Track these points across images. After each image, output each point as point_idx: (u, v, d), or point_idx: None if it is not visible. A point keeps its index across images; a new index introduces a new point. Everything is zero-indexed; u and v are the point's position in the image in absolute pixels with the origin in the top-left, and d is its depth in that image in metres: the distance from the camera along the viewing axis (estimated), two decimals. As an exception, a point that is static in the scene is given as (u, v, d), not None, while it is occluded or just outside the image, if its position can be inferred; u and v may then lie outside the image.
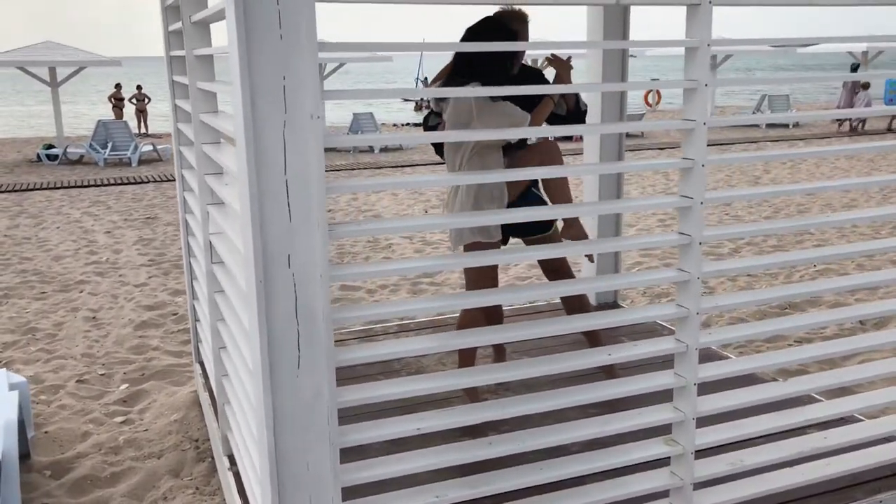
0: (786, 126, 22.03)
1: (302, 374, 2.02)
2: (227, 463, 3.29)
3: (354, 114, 19.35)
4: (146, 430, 4.23)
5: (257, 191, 1.88)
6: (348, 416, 2.60)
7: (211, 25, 3.10)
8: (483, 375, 2.39)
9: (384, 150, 18.99)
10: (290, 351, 2.00)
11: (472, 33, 3.28)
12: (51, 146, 18.12)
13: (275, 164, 1.89)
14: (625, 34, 4.60)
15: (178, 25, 3.33)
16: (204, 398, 4.09)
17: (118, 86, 24.99)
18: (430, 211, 11.01)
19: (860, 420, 3.22)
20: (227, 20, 1.88)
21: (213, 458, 3.81)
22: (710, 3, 2.20)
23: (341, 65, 20.82)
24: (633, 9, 4.68)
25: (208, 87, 2.86)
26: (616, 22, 4.55)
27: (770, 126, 22.05)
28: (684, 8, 2.28)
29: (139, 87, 25.10)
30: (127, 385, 4.91)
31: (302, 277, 1.97)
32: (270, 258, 1.93)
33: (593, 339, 3.86)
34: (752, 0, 2.32)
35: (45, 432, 4.22)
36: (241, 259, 2.43)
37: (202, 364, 4.33)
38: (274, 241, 1.92)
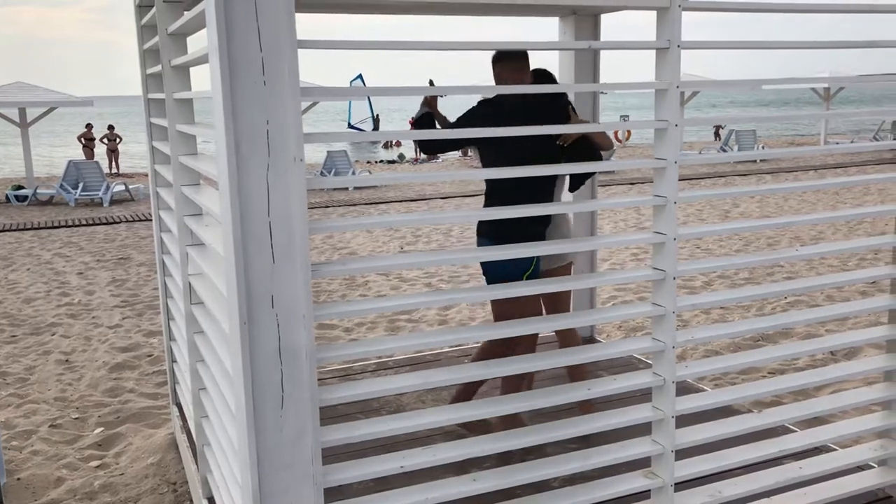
0: (753, 161, 22.48)
1: (286, 413, 2.03)
2: (206, 506, 3.26)
3: (328, 152, 19.43)
4: (122, 474, 4.17)
5: (241, 233, 1.91)
6: (327, 455, 2.60)
7: (190, 69, 3.14)
8: (465, 412, 2.41)
9: (358, 187, 19.05)
10: (274, 391, 2.01)
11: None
12: (20, 187, 17.95)
13: (258, 207, 1.92)
14: (595, 75, 4.71)
15: (157, 69, 3.36)
16: (181, 440, 4.05)
17: (89, 126, 24.92)
18: (405, 248, 11.05)
19: (834, 449, 3.28)
20: (210, 66, 1.92)
21: (191, 501, 3.77)
22: (678, 47, 2.29)
23: (315, 103, 20.94)
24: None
25: (189, 130, 2.89)
26: (587, 63, 4.66)
27: (738, 161, 22.47)
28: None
29: (111, 127, 25.04)
30: (102, 429, 4.85)
31: (285, 317, 1.99)
32: (254, 299, 1.95)
33: (578, 374, 3.89)
34: (718, 44, 2.42)
35: (18, 479, 4.14)
36: (222, 300, 2.44)
37: (179, 406, 4.29)
38: (257, 283, 1.95)
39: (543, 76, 3.72)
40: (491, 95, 3.76)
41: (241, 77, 1.86)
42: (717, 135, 32.54)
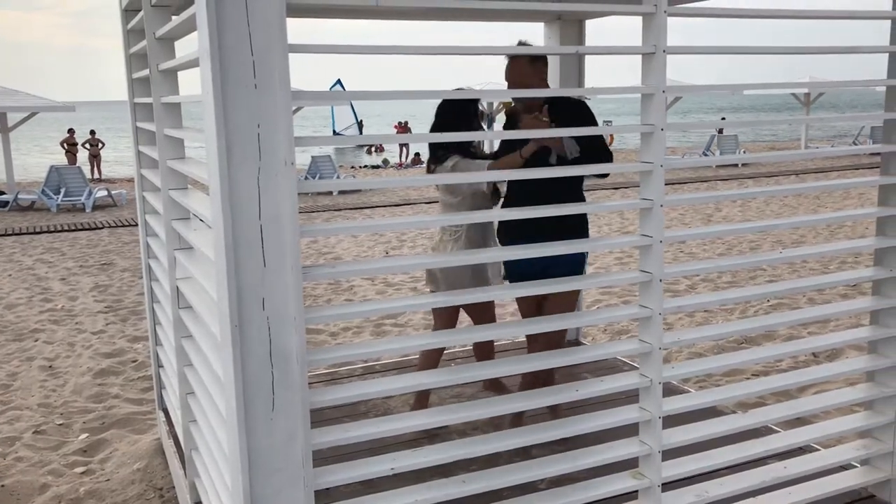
0: (735, 165, 22.69)
1: (276, 416, 2.03)
2: (194, 511, 3.25)
3: (313, 157, 19.41)
4: (108, 480, 4.14)
5: (232, 236, 1.91)
6: (315, 459, 2.61)
7: (178, 73, 3.14)
8: (453, 414, 2.43)
9: (342, 192, 19.03)
10: (265, 394, 2.02)
11: None
12: (0, 192, 17.78)
13: (249, 210, 1.93)
14: (580, 80, 4.75)
15: (144, 73, 3.36)
16: (168, 445, 4.03)
17: (71, 130, 24.74)
18: (390, 252, 11.05)
19: (817, 449, 3.32)
20: (201, 70, 1.93)
21: (177, 506, 3.76)
22: (664, 52, 2.32)
23: (299, 108, 20.92)
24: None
25: (177, 134, 2.89)
26: (572, 68, 4.70)
27: (721, 165, 22.70)
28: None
29: (93, 133, 24.87)
30: (86, 434, 4.82)
31: (276, 320, 1.99)
32: (244, 302, 1.96)
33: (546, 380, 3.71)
34: (703, 49, 2.45)
35: (2, 486, 4.11)
36: (211, 303, 2.45)
37: (166, 411, 4.27)
38: (248, 285, 1.95)
39: None
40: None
41: (231, 80, 1.86)
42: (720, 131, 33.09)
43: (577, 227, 3.57)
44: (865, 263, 8.86)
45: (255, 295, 1.96)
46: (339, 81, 32.69)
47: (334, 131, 33.94)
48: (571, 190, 3.47)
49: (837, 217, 2.98)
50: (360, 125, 35.55)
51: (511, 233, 3.66)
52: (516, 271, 3.70)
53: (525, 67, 3.51)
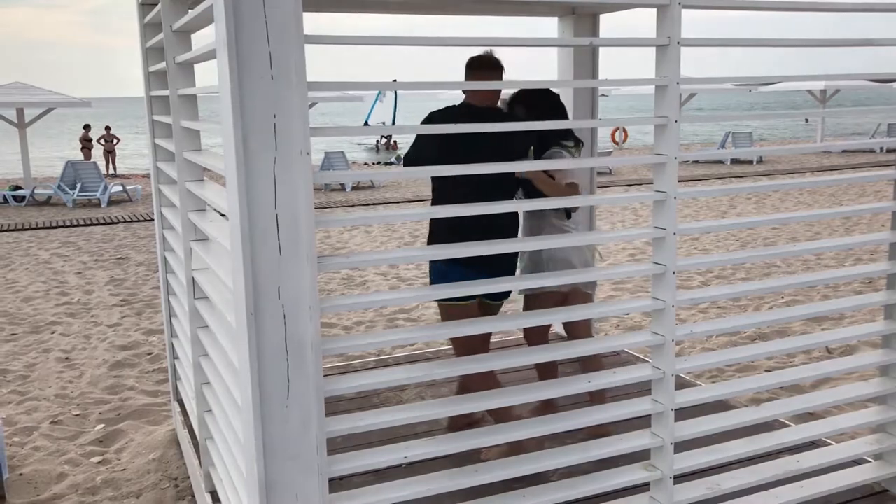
0: (750, 162, 22.57)
1: (291, 404, 2.06)
2: (209, 500, 3.28)
3: (326, 152, 19.46)
4: (124, 469, 4.19)
5: (248, 225, 1.94)
6: (329, 449, 2.63)
7: (194, 65, 3.17)
8: (469, 403, 2.44)
9: (355, 188, 19.09)
10: (280, 382, 2.04)
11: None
12: (17, 187, 17.94)
13: (265, 200, 1.95)
14: (594, 73, 4.74)
15: (161, 66, 3.39)
16: (183, 436, 4.07)
17: (87, 126, 24.93)
18: (402, 246, 11.07)
19: (830, 444, 3.31)
20: (218, 61, 1.95)
21: (192, 496, 3.79)
22: (678, 43, 2.32)
23: (313, 104, 20.96)
24: (602, 49, 4.83)
25: (194, 126, 2.92)
26: (585, 63, 4.69)
27: (735, 162, 22.59)
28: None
29: (108, 128, 25.04)
30: (103, 425, 4.87)
31: (291, 309, 2.02)
32: (260, 290, 1.98)
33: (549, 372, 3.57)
34: (717, 41, 2.45)
35: (20, 474, 4.16)
36: (227, 293, 2.47)
37: (181, 402, 4.31)
38: (263, 274, 1.98)
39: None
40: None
41: (248, 71, 1.89)
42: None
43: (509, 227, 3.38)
44: (882, 260, 8.81)
45: (270, 283, 1.98)
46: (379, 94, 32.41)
47: (366, 123, 33.64)
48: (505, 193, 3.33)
49: (850, 211, 2.98)
50: (381, 124, 35.57)
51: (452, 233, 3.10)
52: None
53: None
